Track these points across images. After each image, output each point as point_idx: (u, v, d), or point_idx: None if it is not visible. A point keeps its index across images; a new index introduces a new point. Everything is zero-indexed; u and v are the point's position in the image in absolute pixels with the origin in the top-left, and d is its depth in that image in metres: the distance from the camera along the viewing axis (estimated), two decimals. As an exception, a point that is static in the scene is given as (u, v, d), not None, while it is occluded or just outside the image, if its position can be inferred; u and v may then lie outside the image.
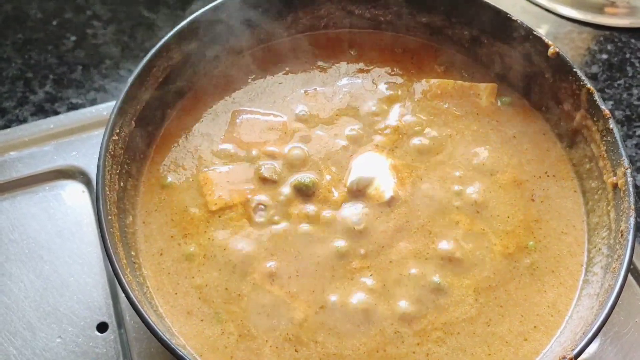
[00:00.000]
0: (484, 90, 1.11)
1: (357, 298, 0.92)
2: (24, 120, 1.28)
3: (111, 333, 1.01)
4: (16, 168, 1.13)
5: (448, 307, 0.92)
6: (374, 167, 1.02)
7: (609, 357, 1.00)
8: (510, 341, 0.91)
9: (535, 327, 0.93)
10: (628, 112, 1.35)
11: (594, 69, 1.41)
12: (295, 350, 0.89)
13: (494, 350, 0.90)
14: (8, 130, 1.19)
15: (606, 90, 1.38)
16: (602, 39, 1.45)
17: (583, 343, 0.82)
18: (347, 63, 1.16)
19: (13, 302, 1.02)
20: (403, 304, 0.92)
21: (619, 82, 1.39)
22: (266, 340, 0.89)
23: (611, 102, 1.36)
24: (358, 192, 1.01)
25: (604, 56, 1.43)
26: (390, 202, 1.00)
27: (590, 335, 0.82)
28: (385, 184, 1.01)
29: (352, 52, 1.17)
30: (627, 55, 1.43)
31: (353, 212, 0.99)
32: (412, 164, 1.04)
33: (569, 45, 1.44)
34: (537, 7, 1.49)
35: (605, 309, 0.84)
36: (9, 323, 1.01)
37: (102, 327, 1.01)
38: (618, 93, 1.38)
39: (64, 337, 1.00)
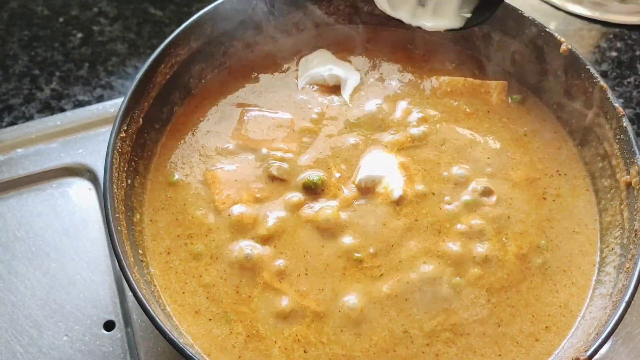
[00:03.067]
0: (495, 88, 1.10)
1: (366, 297, 0.91)
2: (30, 117, 1.28)
3: (118, 331, 1.00)
4: (23, 165, 1.13)
5: (457, 309, 0.91)
6: (383, 166, 1.01)
7: (620, 357, 0.99)
8: (521, 342, 0.90)
9: (546, 327, 0.91)
10: (638, 110, 1.34)
11: (604, 66, 1.40)
12: (304, 351, 0.88)
13: (505, 350, 0.89)
14: (15, 127, 1.18)
15: (616, 88, 1.37)
16: (611, 36, 1.44)
17: (597, 344, 0.81)
18: (358, 60, 1.14)
19: (19, 300, 1.02)
20: (413, 304, 0.91)
21: (628, 79, 1.38)
22: (275, 341, 0.89)
23: (621, 100, 1.35)
24: (367, 190, 1.00)
25: (614, 54, 1.42)
26: (399, 201, 0.99)
27: (604, 336, 0.81)
28: (394, 183, 1.00)
29: (361, 49, 1.16)
30: (637, 53, 1.42)
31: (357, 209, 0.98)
32: (422, 162, 1.03)
33: (578, 43, 1.43)
34: (547, 5, 1.48)
35: (619, 309, 0.83)
36: (15, 321, 1.00)
37: (109, 325, 1.01)
38: (628, 91, 1.37)
39: (71, 336, 1.00)
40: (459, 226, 0.97)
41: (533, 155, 1.05)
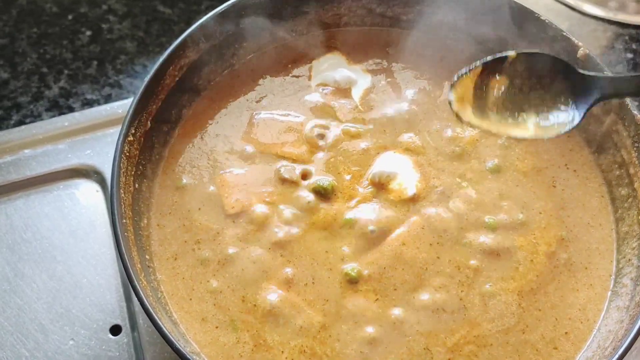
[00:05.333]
0: None
1: (380, 308, 0.90)
2: (38, 116, 1.27)
3: (124, 336, 0.99)
4: (30, 166, 1.12)
5: (483, 320, 0.90)
6: (398, 164, 1.00)
7: (635, 369, 0.97)
8: (540, 349, 0.88)
9: (566, 333, 0.90)
10: (655, 114, 1.31)
11: (619, 68, 1.38)
12: None
13: (524, 359, 0.88)
14: (22, 127, 1.17)
15: (631, 90, 1.34)
16: (627, 37, 1.42)
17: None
18: (370, 62, 1.13)
19: (25, 304, 1.01)
20: (431, 319, 0.90)
21: (645, 82, 1.36)
22: (282, 351, 0.87)
23: (636, 104, 1.32)
24: (380, 186, 0.99)
25: (629, 55, 1.39)
26: (413, 199, 0.98)
27: (620, 351, 0.79)
28: (408, 180, 0.99)
29: (373, 51, 1.13)
30: (654, 55, 1.39)
31: (370, 213, 0.96)
32: (435, 164, 1.02)
33: (593, 44, 1.41)
34: (561, 5, 1.46)
35: (637, 324, 0.81)
36: (21, 324, 0.99)
37: (115, 330, 1.00)
38: (644, 94, 1.34)
39: (77, 340, 0.99)
40: (479, 228, 0.96)
41: (539, 147, 1.04)
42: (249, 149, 1.02)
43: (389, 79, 1.10)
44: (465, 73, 0.89)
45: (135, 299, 0.99)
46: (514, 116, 0.90)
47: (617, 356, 0.79)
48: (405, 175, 0.99)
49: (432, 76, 1.11)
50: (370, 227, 0.95)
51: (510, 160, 1.03)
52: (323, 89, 1.09)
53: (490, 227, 0.96)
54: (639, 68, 1.37)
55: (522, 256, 0.94)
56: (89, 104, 1.29)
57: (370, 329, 0.88)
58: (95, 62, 1.34)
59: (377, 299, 0.90)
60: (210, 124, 1.06)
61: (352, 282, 0.91)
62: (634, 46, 1.40)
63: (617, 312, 0.89)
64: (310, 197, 0.98)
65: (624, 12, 1.44)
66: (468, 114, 0.91)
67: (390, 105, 1.08)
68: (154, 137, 1.01)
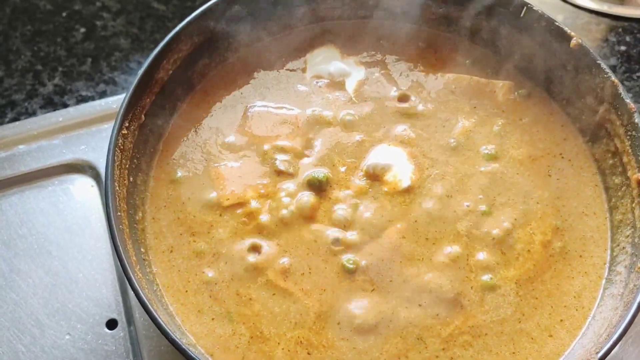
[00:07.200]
0: (501, 87, 1.09)
1: (375, 299, 0.90)
2: (33, 113, 1.27)
3: (120, 330, 0.99)
4: (25, 162, 1.12)
5: (478, 312, 0.90)
6: (392, 156, 1.01)
7: (630, 358, 0.97)
8: (536, 337, 0.89)
9: (561, 320, 0.90)
10: (648, 105, 1.32)
11: (612, 60, 1.38)
12: (308, 353, 0.87)
13: (519, 348, 0.88)
14: (17, 123, 1.17)
15: (625, 82, 1.35)
16: (620, 30, 1.42)
17: (608, 345, 0.79)
18: (363, 55, 1.13)
19: (21, 299, 1.01)
20: (426, 310, 0.90)
21: (638, 74, 1.36)
22: (278, 343, 0.87)
23: (630, 95, 1.33)
24: (375, 177, 0.99)
25: (623, 47, 1.40)
26: (408, 190, 0.98)
27: (615, 337, 0.79)
28: (402, 172, 0.99)
29: (367, 44, 1.14)
30: (647, 47, 1.40)
31: (366, 205, 0.97)
32: (429, 156, 1.02)
33: (586, 37, 1.41)
34: (555, -2, 1.46)
35: (631, 310, 0.81)
36: (17, 320, 0.99)
37: (111, 324, 1.00)
38: (637, 85, 1.35)
39: (73, 334, 0.99)
40: (477, 218, 0.96)
41: (533, 136, 1.05)
42: (243, 141, 1.03)
43: (382, 71, 1.11)
44: None
45: (131, 292, 0.99)
46: None
47: (611, 343, 0.80)
48: (399, 167, 1.00)
49: (426, 68, 1.11)
50: (366, 219, 0.95)
51: (505, 149, 1.03)
52: (317, 82, 1.09)
53: (488, 218, 0.96)
54: (632, 60, 1.37)
55: (520, 246, 0.95)
56: (83, 100, 1.29)
57: (365, 319, 0.89)
58: (89, 59, 1.34)
59: (374, 289, 0.90)
60: (205, 118, 1.06)
61: (349, 272, 0.91)
62: (627, 39, 1.41)
63: (612, 299, 0.89)
64: (305, 189, 0.98)
65: (618, 5, 1.44)
66: None
67: (383, 97, 1.08)
68: (148, 130, 1.01)
